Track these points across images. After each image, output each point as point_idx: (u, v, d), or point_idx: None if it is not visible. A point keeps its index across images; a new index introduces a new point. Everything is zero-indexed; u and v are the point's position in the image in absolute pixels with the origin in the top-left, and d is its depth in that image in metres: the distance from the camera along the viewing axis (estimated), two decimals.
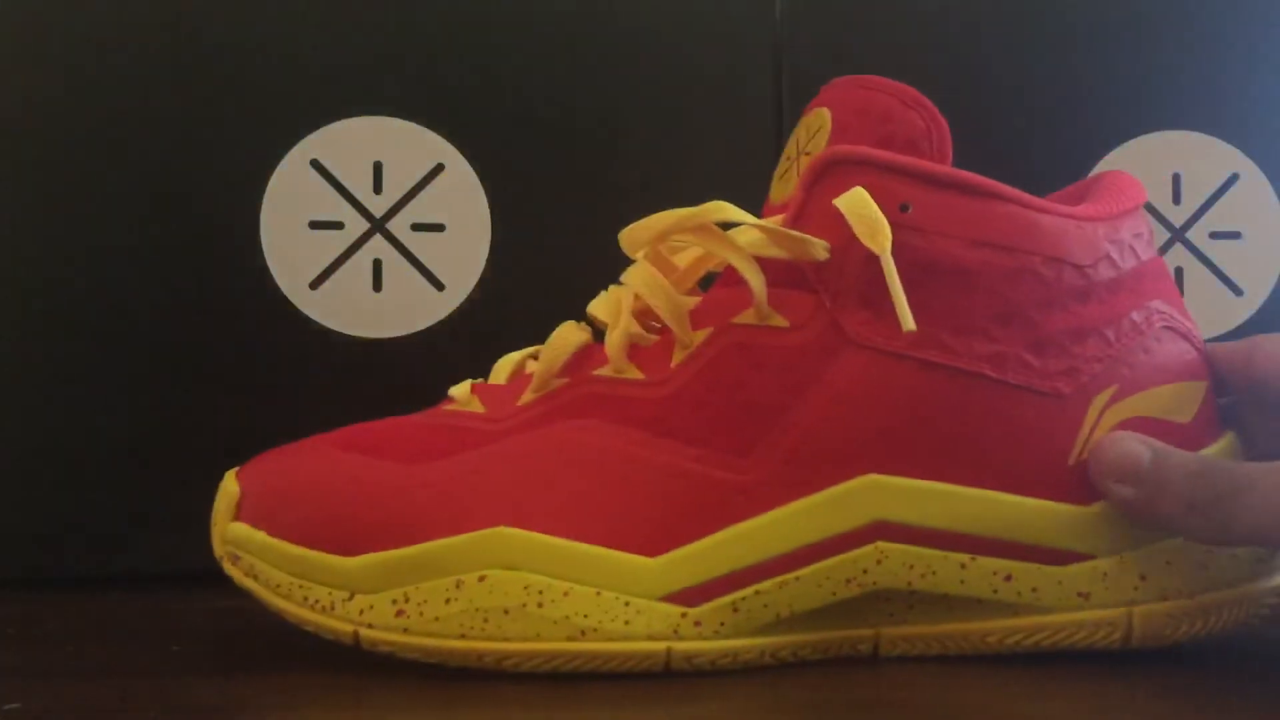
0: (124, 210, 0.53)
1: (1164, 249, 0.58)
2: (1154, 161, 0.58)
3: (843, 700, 0.36)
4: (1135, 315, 0.40)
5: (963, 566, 0.39)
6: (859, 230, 0.38)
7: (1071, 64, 0.58)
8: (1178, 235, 0.59)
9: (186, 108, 0.54)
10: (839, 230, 0.38)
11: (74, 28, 0.53)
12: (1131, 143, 0.58)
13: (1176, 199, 0.59)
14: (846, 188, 0.39)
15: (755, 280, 0.39)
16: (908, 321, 0.37)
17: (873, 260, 0.38)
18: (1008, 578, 0.39)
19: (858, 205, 0.38)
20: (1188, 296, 0.58)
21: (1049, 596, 0.39)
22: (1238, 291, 0.59)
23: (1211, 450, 0.41)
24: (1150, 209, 0.58)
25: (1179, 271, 0.58)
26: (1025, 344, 0.39)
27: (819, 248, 0.39)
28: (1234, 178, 0.59)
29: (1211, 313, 0.58)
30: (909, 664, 0.40)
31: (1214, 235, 0.59)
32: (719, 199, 0.40)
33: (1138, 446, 0.38)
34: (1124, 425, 0.40)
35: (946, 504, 0.38)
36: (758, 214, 0.43)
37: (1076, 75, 0.58)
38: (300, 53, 0.54)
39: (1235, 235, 0.59)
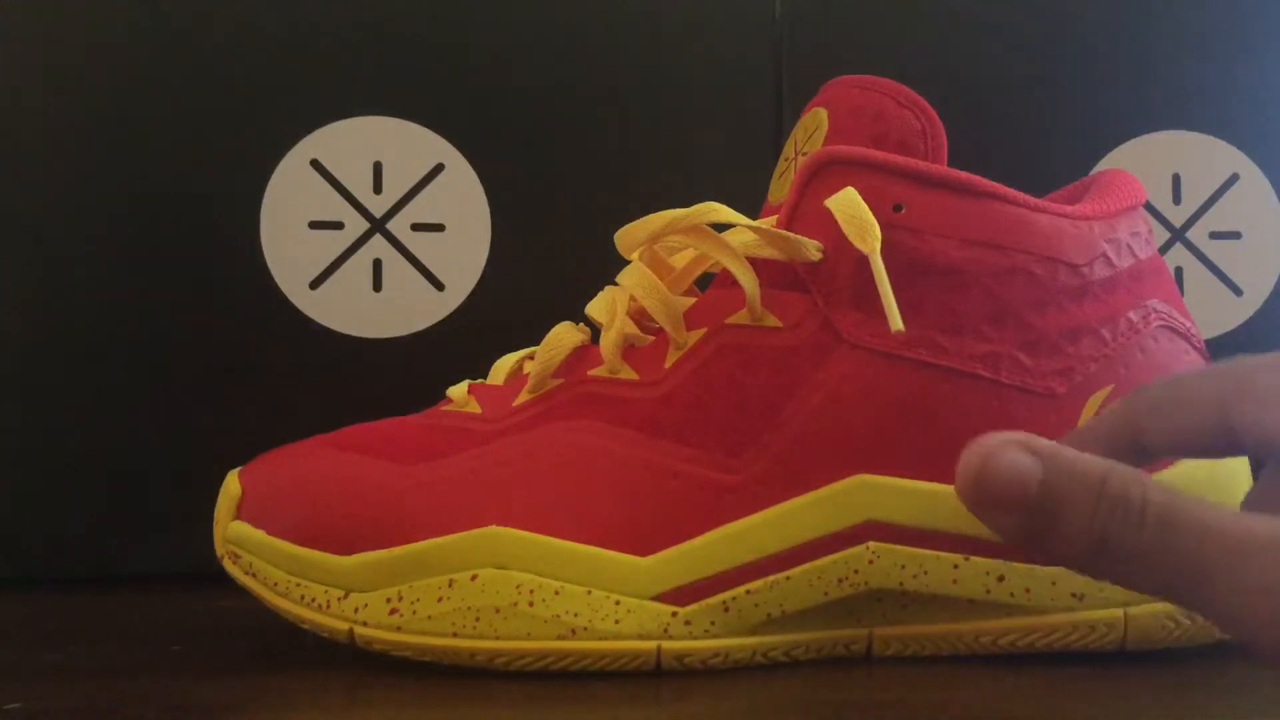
0: (124, 210, 0.53)
1: (1164, 249, 0.58)
2: (1154, 161, 0.58)
3: (835, 700, 0.36)
4: (1132, 314, 0.40)
5: (955, 567, 0.39)
6: (849, 231, 0.38)
7: (1071, 64, 0.58)
8: (1178, 235, 0.58)
9: (187, 108, 0.54)
10: (832, 231, 0.39)
11: (74, 28, 0.53)
12: (1131, 143, 0.58)
13: (1176, 199, 0.58)
14: (840, 188, 0.39)
15: (748, 281, 0.39)
16: (896, 322, 0.37)
17: (865, 261, 0.38)
18: (1000, 578, 0.39)
19: (848, 206, 0.38)
20: (1188, 296, 0.58)
21: (1042, 597, 0.39)
22: (1238, 291, 0.58)
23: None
24: (1150, 209, 0.58)
25: (1179, 271, 0.58)
26: (1019, 343, 0.39)
27: (811, 248, 0.39)
28: (1234, 178, 0.58)
29: (1211, 313, 0.58)
30: (902, 664, 0.40)
31: (1214, 235, 0.58)
32: (719, 199, 0.40)
33: (1024, 460, 0.27)
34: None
35: (939, 504, 0.38)
36: (758, 214, 0.43)
37: (1076, 75, 0.58)
38: (300, 53, 0.54)
39: (1235, 235, 0.58)
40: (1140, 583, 0.26)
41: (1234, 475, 0.41)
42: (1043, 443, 0.27)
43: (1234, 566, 0.25)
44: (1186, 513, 0.25)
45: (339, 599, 0.38)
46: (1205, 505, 0.26)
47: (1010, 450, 0.27)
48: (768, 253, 0.39)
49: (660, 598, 0.38)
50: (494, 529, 0.38)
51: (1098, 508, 0.26)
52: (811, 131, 0.41)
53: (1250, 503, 0.32)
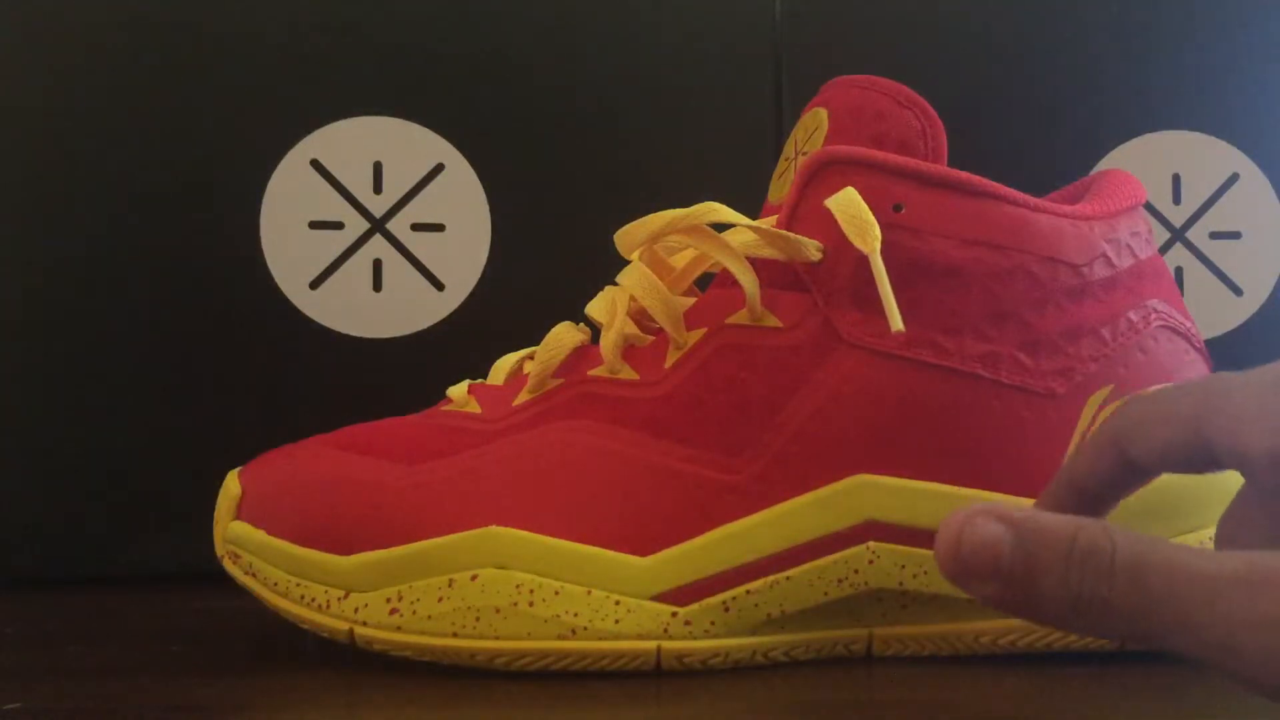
0: (124, 210, 0.53)
1: (1164, 249, 0.58)
2: (1154, 161, 0.58)
3: (835, 700, 0.36)
4: (1132, 314, 0.40)
5: None
6: (848, 230, 0.38)
7: (1071, 64, 0.58)
8: (1178, 235, 0.58)
9: (186, 108, 0.54)
10: (832, 231, 0.39)
11: (73, 27, 0.53)
12: (1131, 143, 0.58)
13: (1176, 199, 0.58)
14: (839, 188, 0.39)
15: (748, 281, 0.39)
16: (896, 322, 0.37)
17: (865, 261, 0.38)
18: None
19: (847, 206, 0.38)
20: (1188, 296, 0.58)
21: None
22: (1238, 291, 0.58)
23: None
24: (1150, 209, 0.58)
25: (1179, 271, 0.58)
26: (1019, 343, 0.39)
27: (811, 248, 0.39)
28: (1234, 178, 0.58)
29: (1211, 313, 0.58)
30: (902, 664, 0.40)
31: (1214, 235, 0.58)
32: (719, 199, 0.40)
33: (993, 529, 0.27)
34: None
35: (939, 504, 0.38)
36: (758, 214, 0.43)
37: (1076, 75, 0.58)
38: (300, 53, 0.54)
39: (1235, 235, 0.58)
40: (1125, 633, 0.26)
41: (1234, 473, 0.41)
42: (1013, 509, 0.27)
43: (1209, 606, 0.25)
44: (1155, 558, 0.25)
45: (339, 599, 0.38)
46: (1174, 548, 0.26)
47: (981, 521, 0.27)
48: (768, 253, 0.39)
49: (660, 598, 0.38)
50: (494, 529, 0.38)
51: (1069, 566, 0.26)
52: (811, 131, 0.41)
53: (1225, 520, 0.32)
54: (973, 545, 0.27)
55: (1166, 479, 0.38)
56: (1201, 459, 0.30)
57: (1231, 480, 0.40)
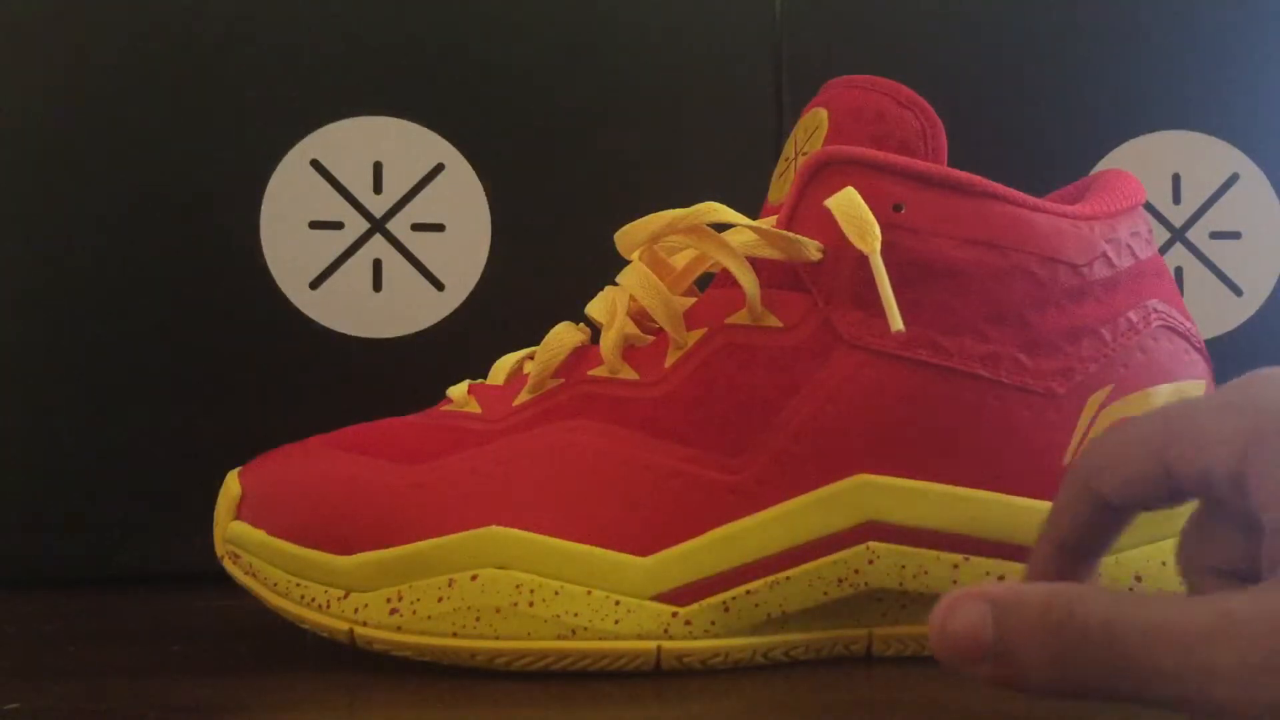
0: (124, 210, 0.53)
1: (1164, 249, 0.58)
2: (1154, 161, 0.58)
3: (835, 700, 0.36)
4: (1132, 314, 0.40)
5: (955, 567, 0.39)
6: (848, 230, 0.38)
7: (1071, 64, 0.58)
8: (1178, 235, 0.58)
9: (187, 108, 0.54)
10: (832, 231, 0.39)
11: (73, 27, 0.53)
12: (1131, 143, 0.58)
13: (1176, 199, 0.58)
14: (839, 188, 0.39)
15: (748, 281, 0.39)
16: (896, 322, 0.37)
17: (865, 261, 0.38)
18: (1000, 579, 0.39)
19: (847, 206, 0.38)
20: (1188, 296, 0.58)
21: None
22: (1238, 291, 0.59)
23: None
24: (1150, 209, 0.58)
25: (1179, 271, 0.58)
26: (1019, 344, 0.39)
27: (812, 248, 0.39)
28: (1234, 178, 0.58)
29: (1211, 313, 0.58)
30: (902, 664, 0.40)
31: (1214, 235, 0.59)
32: (719, 199, 0.40)
33: (975, 611, 0.28)
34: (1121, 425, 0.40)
35: (939, 504, 0.38)
36: (758, 214, 0.43)
37: (1076, 75, 0.58)
38: (300, 53, 0.54)
39: (1235, 235, 0.58)
40: (1112, 693, 0.26)
41: None
42: (994, 588, 0.28)
43: (1185, 659, 0.25)
44: (1127, 615, 0.26)
45: (339, 599, 0.38)
46: (1145, 602, 0.26)
47: (963, 605, 0.28)
48: (768, 253, 0.39)
49: (660, 598, 0.38)
50: (494, 529, 0.38)
51: (1046, 637, 0.27)
52: (811, 132, 0.41)
53: (1186, 538, 0.32)
54: (957, 631, 0.28)
55: None
56: (1168, 490, 0.29)
57: None
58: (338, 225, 0.55)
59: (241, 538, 0.40)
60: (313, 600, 0.39)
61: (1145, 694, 0.26)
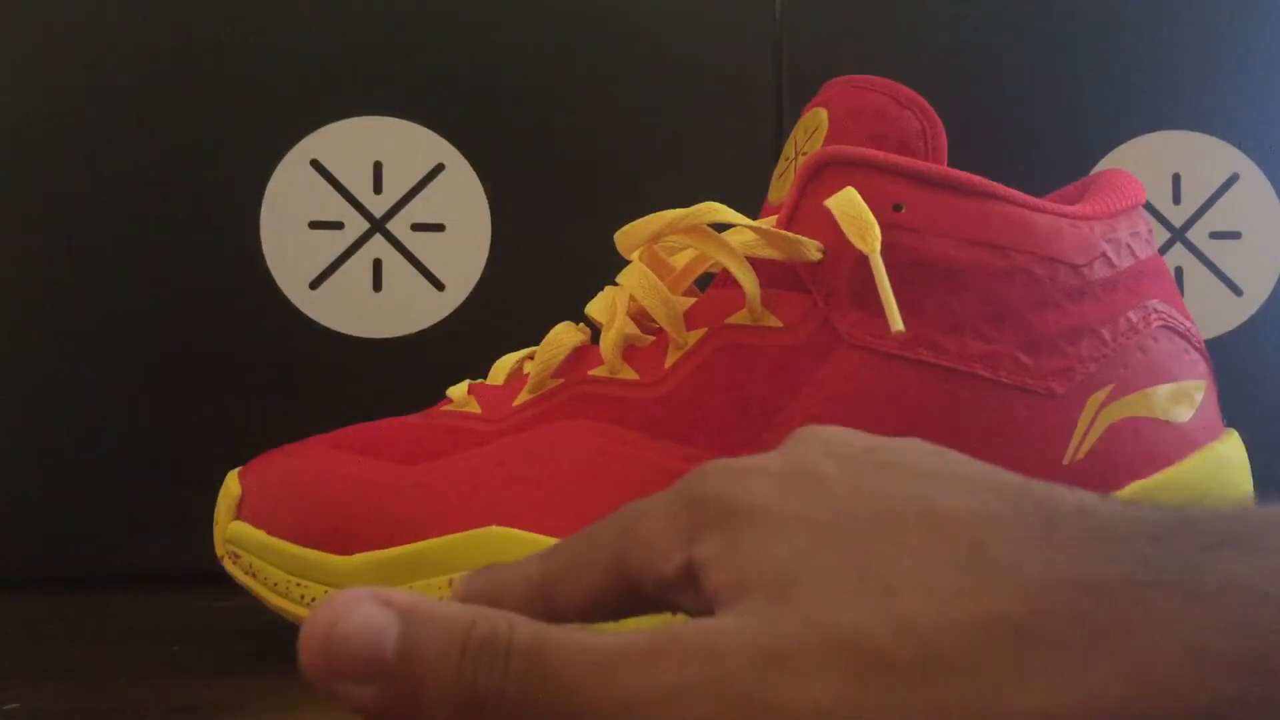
0: (124, 210, 0.53)
1: (1164, 249, 0.58)
2: (1154, 161, 0.58)
3: None
4: (1132, 314, 0.40)
5: None
6: (848, 230, 0.38)
7: (1071, 64, 0.58)
8: (1178, 235, 0.58)
9: (186, 108, 0.54)
10: (832, 231, 0.39)
11: (73, 27, 0.53)
12: (1131, 143, 0.58)
13: (1176, 199, 0.58)
14: (840, 188, 0.39)
15: (748, 281, 0.39)
16: (896, 322, 0.37)
17: (865, 261, 0.38)
18: None
19: (847, 206, 0.38)
20: (1188, 296, 0.58)
21: None
22: (1238, 291, 0.58)
23: (1211, 448, 0.41)
24: (1150, 209, 0.58)
25: (1179, 271, 0.58)
26: (1019, 343, 0.39)
27: (811, 248, 0.39)
28: (1234, 178, 0.58)
29: (1211, 313, 0.58)
30: None
31: (1214, 235, 0.58)
32: (719, 199, 0.40)
33: (378, 615, 0.22)
34: (1120, 425, 0.40)
35: None
36: (758, 214, 0.43)
37: (1076, 75, 0.58)
38: (300, 53, 0.54)
39: (1235, 235, 0.58)
40: None
41: (1234, 472, 0.41)
42: (399, 595, 0.22)
43: (606, 682, 0.22)
44: (555, 636, 0.22)
45: None
46: (583, 631, 0.23)
47: (362, 605, 0.22)
48: (768, 253, 0.39)
49: None
50: (494, 529, 0.38)
51: (464, 655, 0.22)
52: (811, 131, 0.41)
53: None
54: (350, 635, 0.22)
55: (1188, 468, 0.39)
56: (636, 602, 0.26)
57: (1239, 469, 0.41)
58: (338, 225, 0.55)
59: (241, 538, 0.40)
60: (313, 600, 0.39)
61: None
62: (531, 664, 0.22)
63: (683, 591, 0.25)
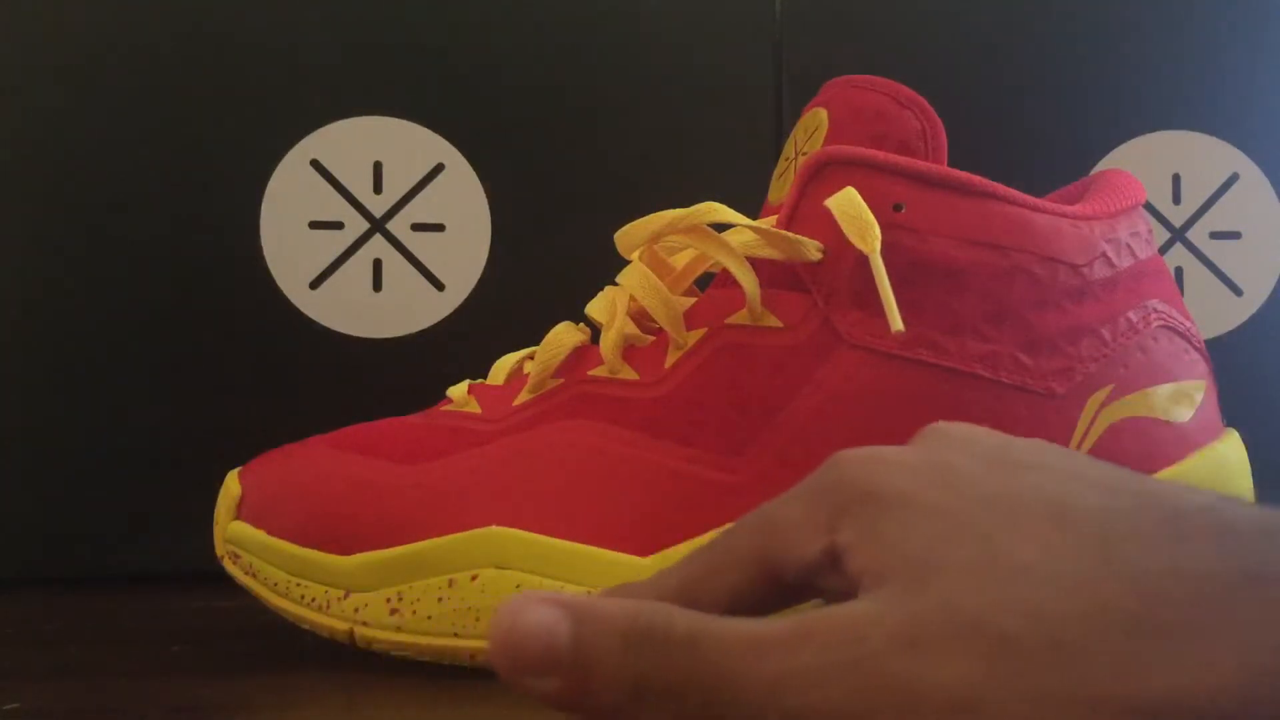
0: (124, 210, 0.53)
1: (1164, 249, 0.58)
2: (1154, 161, 0.58)
3: None
4: (1132, 314, 0.40)
5: None
6: (848, 230, 0.38)
7: (1071, 64, 0.58)
8: (1178, 235, 0.58)
9: (186, 108, 0.54)
10: (832, 231, 0.39)
11: (73, 27, 0.53)
12: (1131, 143, 0.58)
13: (1176, 199, 0.58)
14: (840, 188, 0.39)
15: (748, 281, 0.39)
16: (896, 322, 0.37)
17: (865, 261, 0.38)
18: None
19: (847, 206, 0.38)
20: (1188, 296, 0.58)
21: None
22: (1238, 291, 0.58)
23: (1211, 448, 0.41)
24: (1150, 209, 0.58)
25: (1179, 271, 0.58)
26: (1019, 343, 0.39)
27: (811, 248, 0.39)
28: (1234, 178, 0.58)
29: (1211, 313, 0.58)
30: None
31: (1214, 235, 0.58)
32: (719, 199, 0.40)
33: (548, 616, 0.24)
34: (1120, 425, 0.40)
35: None
36: (758, 214, 0.43)
37: (1076, 75, 0.58)
38: (300, 53, 0.54)
39: (1235, 235, 0.58)
40: (685, 714, 0.24)
41: (1234, 472, 0.41)
42: (567, 597, 0.25)
43: (757, 663, 0.23)
44: (712, 626, 0.24)
45: (339, 599, 0.38)
46: (732, 619, 0.25)
47: (536, 607, 0.24)
48: (768, 253, 0.39)
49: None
50: (494, 529, 0.38)
51: (627, 648, 0.24)
52: (811, 131, 0.41)
53: None
54: (527, 632, 0.24)
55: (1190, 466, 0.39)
56: (777, 596, 0.27)
57: (1239, 467, 0.41)
58: (338, 225, 0.55)
59: (241, 538, 0.40)
60: (313, 600, 0.39)
61: (718, 713, 0.24)
62: (689, 651, 0.24)
63: (827, 574, 0.26)
